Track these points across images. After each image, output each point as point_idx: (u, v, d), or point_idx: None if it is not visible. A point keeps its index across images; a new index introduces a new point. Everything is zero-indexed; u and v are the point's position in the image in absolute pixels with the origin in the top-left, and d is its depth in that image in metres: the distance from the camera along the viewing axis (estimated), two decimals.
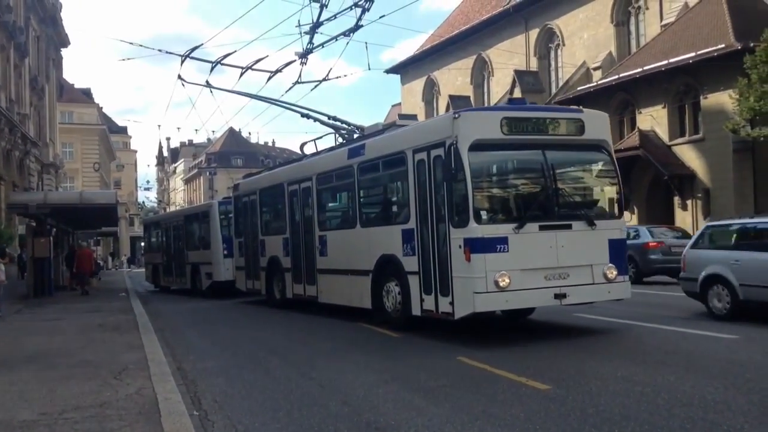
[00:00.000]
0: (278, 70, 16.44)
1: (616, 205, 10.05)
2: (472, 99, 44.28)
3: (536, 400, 6.25)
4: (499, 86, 42.26)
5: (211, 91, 18.33)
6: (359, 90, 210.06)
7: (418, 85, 51.31)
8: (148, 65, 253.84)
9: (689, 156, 27.83)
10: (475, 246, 8.77)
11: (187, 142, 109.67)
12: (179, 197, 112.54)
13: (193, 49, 17.22)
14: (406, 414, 5.97)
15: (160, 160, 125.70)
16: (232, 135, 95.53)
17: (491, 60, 43.54)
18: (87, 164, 59.23)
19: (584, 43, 36.89)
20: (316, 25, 15.00)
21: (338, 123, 15.92)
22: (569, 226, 9.32)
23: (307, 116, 16.22)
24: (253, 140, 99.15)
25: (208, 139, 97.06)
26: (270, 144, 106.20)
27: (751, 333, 9.56)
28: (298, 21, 15.22)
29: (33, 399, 6.79)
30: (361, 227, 12.03)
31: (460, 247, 8.94)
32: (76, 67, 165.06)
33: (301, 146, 16.58)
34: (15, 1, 27.02)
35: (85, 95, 64.43)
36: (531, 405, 6.09)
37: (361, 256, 11.85)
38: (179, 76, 18.75)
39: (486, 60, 44.25)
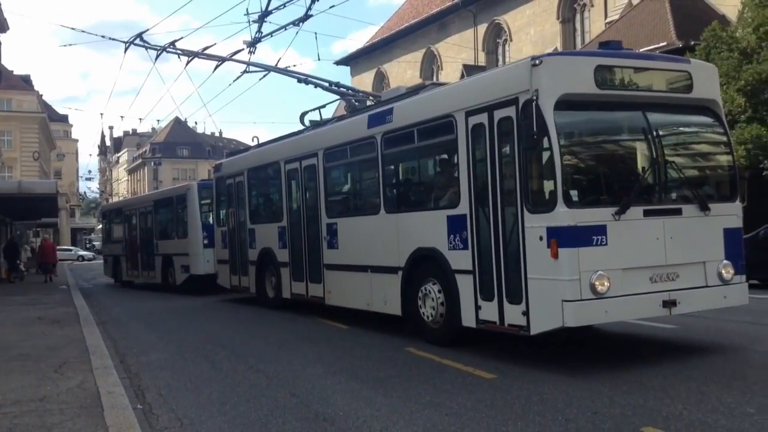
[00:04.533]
0: (226, 59, 16.14)
1: (729, 184, 8.00)
2: None
3: (482, 389, 6.35)
4: (448, 80, 42.55)
5: (179, 56, 16.16)
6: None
7: (368, 77, 51.25)
8: (91, 52, 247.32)
9: None
10: (564, 237, 6.67)
11: (131, 132, 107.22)
12: (122, 188, 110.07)
13: (137, 36, 16.72)
14: (355, 404, 6.00)
15: (103, 150, 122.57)
16: (178, 125, 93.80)
17: (440, 54, 43.81)
18: (26, 153, 57.30)
19: (531, 38, 37.43)
20: (265, 14, 14.80)
21: (343, 90, 14.16)
22: (679, 211, 7.35)
23: (306, 82, 14.56)
24: (200, 130, 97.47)
25: (153, 129, 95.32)
26: (217, 134, 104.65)
27: (685, 320, 9.82)
28: (247, 9, 15.04)
29: None
30: (387, 213, 9.67)
31: (541, 238, 6.83)
32: (16, 53, 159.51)
33: (302, 116, 13.91)
34: None
35: (25, 82, 62.28)
36: (477, 394, 6.18)
37: (386, 249, 9.60)
38: (141, 38, 16.01)
39: (435, 54, 44.51)
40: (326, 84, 14.43)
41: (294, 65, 36.84)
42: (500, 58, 40.66)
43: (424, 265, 8.87)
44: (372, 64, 50.62)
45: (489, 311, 7.64)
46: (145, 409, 6.15)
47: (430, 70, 45.86)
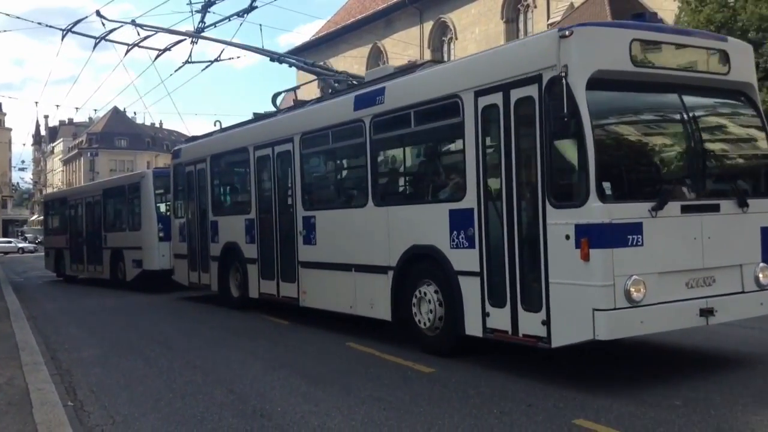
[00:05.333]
0: (167, 48, 15.78)
1: (765, 178, 7.19)
2: None
3: (421, 383, 6.42)
4: None
5: (139, 29, 14.85)
6: (255, 74, 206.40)
7: None
8: (27, 39, 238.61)
9: None
10: (597, 236, 5.80)
11: (66, 121, 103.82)
12: (57, 179, 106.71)
13: (75, 23, 16.22)
14: (294, 400, 5.97)
15: (37, 140, 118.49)
16: (116, 115, 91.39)
17: (386, 50, 43.89)
18: None
19: (476, 38, 37.86)
20: (208, 4, 14.55)
21: (319, 69, 13.23)
22: (717, 208, 6.51)
23: (279, 60, 13.76)
24: (139, 121, 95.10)
25: (90, 119, 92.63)
26: (157, 125, 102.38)
27: None
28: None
29: None
30: (376, 206, 8.60)
31: (567, 237, 5.95)
32: None
33: (274, 97, 13.01)
34: None
35: None
36: (416, 387, 6.25)
37: (374, 247, 8.56)
38: (98, 13, 14.86)
39: (381, 49, 44.57)
40: (302, 63, 13.92)
41: (238, 57, 36.29)
42: (445, 56, 41.03)
43: (420, 265, 7.91)
44: (318, 57, 50.19)
45: (499, 319, 6.70)
46: (76, 407, 5.98)
47: (376, 65, 45.88)
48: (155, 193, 17.12)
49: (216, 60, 15.77)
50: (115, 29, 15.54)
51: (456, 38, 39.62)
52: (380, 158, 8.93)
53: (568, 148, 6.09)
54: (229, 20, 14.90)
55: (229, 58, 22.60)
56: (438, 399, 5.85)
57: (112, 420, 5.58)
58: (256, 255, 11.46)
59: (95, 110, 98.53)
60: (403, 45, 41.14)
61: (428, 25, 41.10)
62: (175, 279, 15.00)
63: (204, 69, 22.98)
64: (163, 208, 16.98)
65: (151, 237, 16.82)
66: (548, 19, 34.15)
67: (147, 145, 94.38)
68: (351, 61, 46.79)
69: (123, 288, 17.67)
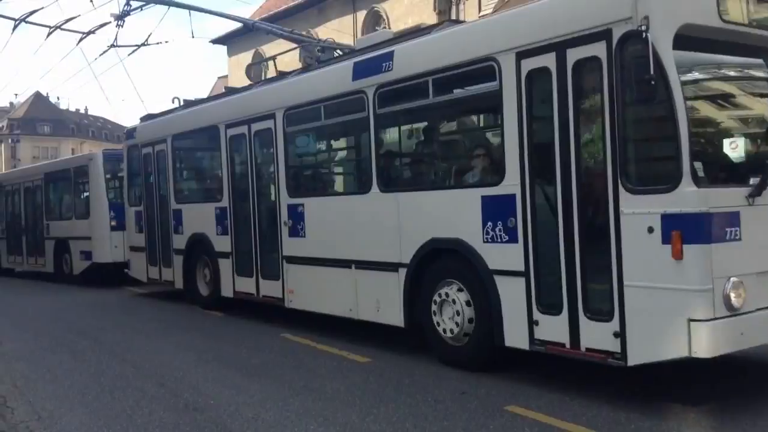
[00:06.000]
0: (91, 32, 15.21)
1: None
2: None
3: (356, 373, 6.45)
4: None
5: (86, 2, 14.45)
6: (186, 59, 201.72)
7: (246, 57, 49.93)
8: None
9: None
10: (692, 229, 4.75)
11: None
12: None
13: None
14: (227, 392, 5.92)
15: None
16: (39, 99, 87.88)
17: (320, 38, 43.67)
18: None
19: (409, 28, 38.09)
20: None
21: (299, 36, 12.38)
22: None
23: (252, 27, 13.11)
24: (63, 106, 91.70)
25: (11, 103, 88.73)
26: (82, 111, 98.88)
27: None
28: None
29: None
30: (383, 192, 7.32)
31: (650, 230, 4.87)
32: None
33: (248, 68, 12.30)
34: None
35: None
36: (351, 378, 6.28)
37: (381, 240, 7.31)
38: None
39: (315, 37, 44.32)
40: (280, 30, 13.55)
41: (166, 41, 35.29)
42: None
43: (442, 263, 6.71)
44: (250, 44, 49.41)
45: (553, 329, 5.59)
46: None
47: (308, 54, 45.56)
48: (106, 178, 15.79)
49: (143, 44, 15.29)
50: (38, 10, 14.92)
51: (390, 28, 39.65)
52: (387, 136, 7.69)
53: (650, 120, 5.11)
54: (156, 3, 14.50)
55: (157, 43, 21.90)
56: (373, 388, 5.90)
57: (38, 416, 5.42)
58: (229, 248, 10.15)
59: (16, 95, 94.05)
60: (337, 33, 40.86)
61: (361, 14, 41.03)
62: (131, 274, 13.60)
63: (131, 53, 22.25)
64: (113, 194, 15.69)
65: (102, 226, 15.42)
66: (480, 12, 34.60)
67: (72, 131, 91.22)
68: (284, 48, 46.28)
69: (69, 282, 16.28)
